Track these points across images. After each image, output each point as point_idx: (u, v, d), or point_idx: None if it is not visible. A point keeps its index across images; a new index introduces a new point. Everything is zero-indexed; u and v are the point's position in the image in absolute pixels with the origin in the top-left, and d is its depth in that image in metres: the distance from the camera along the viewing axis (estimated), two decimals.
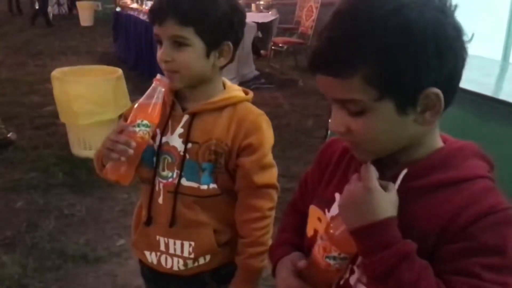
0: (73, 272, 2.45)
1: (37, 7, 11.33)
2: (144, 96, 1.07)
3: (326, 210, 0.86)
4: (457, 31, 0.69)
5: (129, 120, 1.06)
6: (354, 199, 0.72)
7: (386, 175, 0.75)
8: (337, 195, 0.83)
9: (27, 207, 3.06)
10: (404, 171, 0.73)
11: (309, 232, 0.91)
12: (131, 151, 1.01)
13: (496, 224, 0.67)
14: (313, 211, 0.90)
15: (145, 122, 1.04)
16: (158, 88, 1.07)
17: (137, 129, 1.03)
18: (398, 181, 0.73)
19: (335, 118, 0.73)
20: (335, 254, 0.76)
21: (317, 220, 0.89)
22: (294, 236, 0.98)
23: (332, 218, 0.81)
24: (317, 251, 0.78)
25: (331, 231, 0.76)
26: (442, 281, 0.67)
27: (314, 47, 0.71)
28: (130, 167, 1.05)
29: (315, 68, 0.71)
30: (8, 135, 3.96)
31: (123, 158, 1.01)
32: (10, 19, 12.10)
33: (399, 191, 0.72)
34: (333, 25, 0.68)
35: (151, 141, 1.06)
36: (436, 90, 0.68)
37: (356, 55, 0.65)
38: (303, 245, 0.93)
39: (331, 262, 0.77)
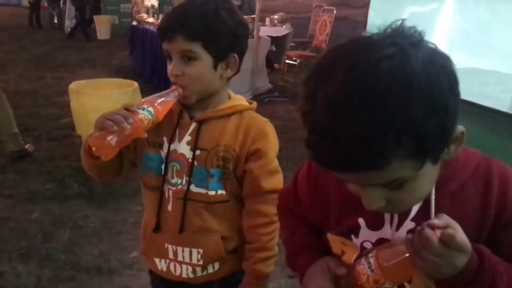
0: (87, 283, 2.46)
1: (74, 22, 11.69)
2: (159, 93, 1.11)
3: (353, 236, 0.85)
4: (447, 55, 0.65)
5: (136, 104, 1.08)
6: (452, 267, 0.70)
7: None
8: (361, 221, 0.83)
9: (43, 218, 3.10)
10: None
11: (337, 252, 0.90)
12: (126, 125, 1.00)
13: None
14: (333, 238, 0.89)
15: (150, 109, 1.05)
16: (174, 91, 1.10)
17: (140, 111, 1.04)
18: (433, 191, 0.75)
19: (373, 198, 0.69)
20: (388, 286, 0.76)
21: (341, 244, 0.88)
22: (310, 237, 0.97)
23: (380, 250, 0.77)
24: (366, 280, 0.77)
25: (385, 264, 0.74)
26: None
27: (318, 146, 0.63)
28: (115, 144, 1.00)
29: (339, 170, 0.65)
30: (26, 147, 4.04)
31: (115, 128, 0.99)
32: (30, 32, 12.39)
33: (437, 202, 0.75)
34: (341, 120, 0.59)
35: (145, 134, 1.06)
36: (461, 128, 0.68)
37: (388, 143, 0.59)
38: (322, 243, 0.93)
39: None
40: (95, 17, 11.87)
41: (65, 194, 3.41)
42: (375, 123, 0.58)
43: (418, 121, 0.58)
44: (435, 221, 0.68)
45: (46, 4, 13.60)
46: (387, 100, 0.57)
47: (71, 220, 3.07)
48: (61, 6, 13.54)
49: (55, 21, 13.61)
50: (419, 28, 0.65)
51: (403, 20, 0.65)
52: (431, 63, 0.60)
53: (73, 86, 3.78)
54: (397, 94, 0.57)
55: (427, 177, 0.69)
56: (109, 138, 0.99)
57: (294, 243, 1.00)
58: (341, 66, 0.61)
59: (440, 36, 3.06)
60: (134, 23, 8.04)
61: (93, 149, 1.01)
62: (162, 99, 1.09)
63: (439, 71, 0.61)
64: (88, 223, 3.04)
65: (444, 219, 0.68)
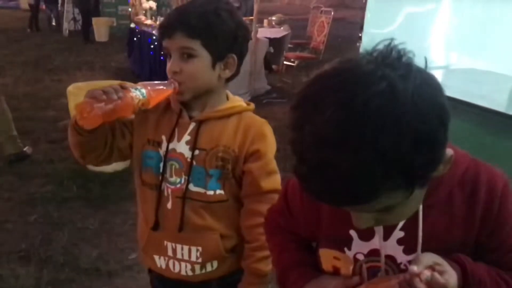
0: (86, 285, 2.47)
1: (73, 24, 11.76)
2: (156, 82, 1.12)
3: (346, 249, 0.86)
4: (438, 83, 0.64)
5: (131, 85, 1.08)
6: None
7: None
8: (352, 233, 0.84)
9: (42, 220, 3.10)
10: None
11: (327, 269, 0.91)
12: (115, 96, 1.00)
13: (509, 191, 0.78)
14: (326, 252, 0.90)
15: (143, 91, 1.06)
16: (171, 83, 1.12)
17: (132, 89, 1.05)
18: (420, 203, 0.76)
19: (363, 221, 0.71)
20: None
21: (333, 259, 0.89)
22: (300, 252, 0.97)
23: (370, 284, 0.80)
24: None
25: None
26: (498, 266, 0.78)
27: (307, 179, 0.64)
28: (101, 113, 0.99)
29: (328, 203, 0.68)
30: (24, 149, 4.04)
31: (104, 97, 0.99)
32: (28, 35, 12.38)
33: (425, 211, 0.76)
34: (329, 157, 0.59)
35: (133, 116, 1.06)
36: (450, 152, 0.68)
37: (377, 180, 0.59)
38: (313, 259, 0.93)
39: None
40: (94, 19, 11.87)
41: (63, 196, 3.41)
42: (364, 161, 0.58)
43: (407, 157, 0.58)
44: (415, 269, 0.70)
45: (44, 7, 13.58)
46: (376, 138, 0.57)
47: (70, 222, 3.07)
48: (59, 8, 13.53)
49: (53, 23, 13.60)
50: (408, 47, 0.63)
51: (391, 40, 0.63)
52: (420, 96, 0.59)
53: (71, 88, 3.78)
54: (386, 132, 0.57)
55: (416, 199, 0.71)
56: (95, 105, 0.98)
57: (284, 261, 1.00)
58: (329, 101, 0.60)
59: (437, 37, 3.07)
60: (132, 25, 8.04)
61: (78, 117, 1.01)
62: (157, 86, 1.10)
63: (428, 105, 0.60)
64: (87, 225, 3.04)
65: (422, 263, 0.71)
